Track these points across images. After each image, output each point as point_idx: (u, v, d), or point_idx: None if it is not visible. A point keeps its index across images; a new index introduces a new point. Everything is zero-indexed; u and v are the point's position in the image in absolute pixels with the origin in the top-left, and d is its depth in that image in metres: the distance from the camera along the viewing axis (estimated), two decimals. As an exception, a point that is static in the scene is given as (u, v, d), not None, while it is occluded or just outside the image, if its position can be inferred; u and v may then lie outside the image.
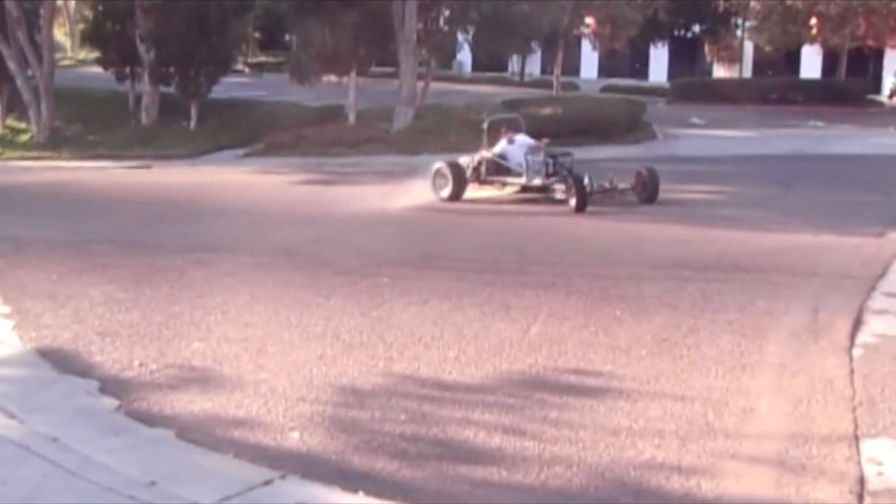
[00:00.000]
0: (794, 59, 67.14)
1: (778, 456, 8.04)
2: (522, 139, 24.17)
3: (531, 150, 23.45)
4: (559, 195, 22.14)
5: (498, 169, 23.85)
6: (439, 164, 23.66)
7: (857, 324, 12.05)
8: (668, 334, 11.51)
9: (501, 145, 24.11)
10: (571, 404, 9.13)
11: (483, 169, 23.83)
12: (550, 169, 22.93)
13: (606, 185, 22.65)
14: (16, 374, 10.51)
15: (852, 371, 10.19)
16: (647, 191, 22.65)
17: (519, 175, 23.28)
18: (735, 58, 69.90)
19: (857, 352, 10.92)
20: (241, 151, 36.41)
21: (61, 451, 8.19)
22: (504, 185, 23.81)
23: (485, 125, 25.03)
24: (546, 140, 24.18)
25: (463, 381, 9.84)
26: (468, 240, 18.44)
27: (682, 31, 71.46)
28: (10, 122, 43.38)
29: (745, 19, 64.02)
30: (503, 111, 40.72)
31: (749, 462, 7.95)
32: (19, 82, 41.12)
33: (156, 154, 35.61)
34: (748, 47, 68.50)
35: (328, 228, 19.34)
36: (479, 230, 19.55)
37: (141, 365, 10.44)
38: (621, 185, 22.84)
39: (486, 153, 24.11)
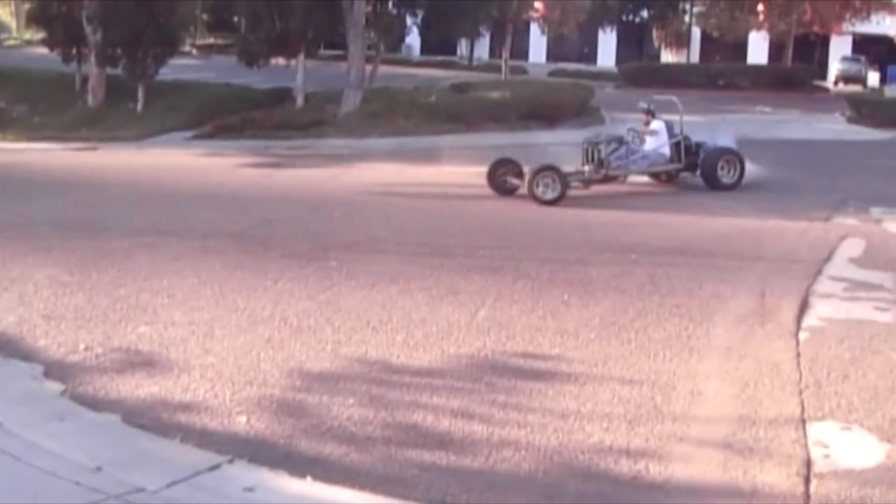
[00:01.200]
0: (741, 45, 67.45)
1: (725, 439, 8.08)
2: (658, 125, 23.40)
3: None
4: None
5: None
6: None
7: (804, 307, 12.15)
8: (615, 318, 11.55)
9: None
10: (520, 388, 9.14)
11: None
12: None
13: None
14: (-42, 359, 10.39)
15: (799, 354, 10.27)
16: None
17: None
18: (683, 43, 70.24)
19: (803, 335, 11.01)
20: (188, 134, 36.12)
21: (5, 436, 8.10)
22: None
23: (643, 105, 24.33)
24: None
25: (411, 364, 9.83)
26: (416, 223, 18.33)
27: (631, 16, 71.63)
28: (-47, 102, 42.90)
29: (692, 5, 64.33)
30: (451, 94, 40.79)
31: (697, 445, 7.99)
32: (-37, 63, 40.75)
33: (102, 136, 35.23)
34: (696, 33, 68.83)
35: (276, 211, 19.21)
36: (427, 214, 19.46)
37: (86, 349, 10.35)
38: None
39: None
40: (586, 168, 22.01)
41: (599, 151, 22.09)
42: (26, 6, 53.67)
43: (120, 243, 15.54)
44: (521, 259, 14.79)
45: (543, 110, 37.47)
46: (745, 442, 8.00)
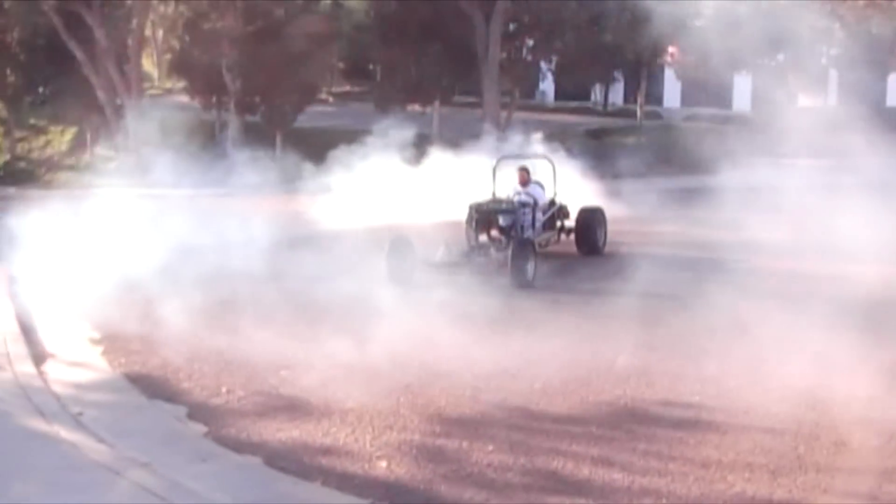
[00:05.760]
0: (880, 88, 66.36)
1: (871, 491, 7.92)
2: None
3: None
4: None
5: None
6: None
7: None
8: (757, 366, 11.37)
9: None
10: (660, 436, 9.07)
11: None
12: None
13: None
14: (105, 399, 10.64)
15: (947, 406, 10.02)
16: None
17: None
18: (820, 86, 69.33)
19: (951, 386, 10.73)
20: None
21: (151, 476, 8.28)
22: None
23: None
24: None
25: (551, 411, 9.82)
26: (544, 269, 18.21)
27: (766, 60, 70.97)
28: (99, 150, 43.97)
29: (829, 48, 63.52)
30: (586, 140, 40.76)
31: (842, 497, 7.84)
32: (108, 111, 41.70)
33: (241, 182, 35.80)
34: (833, 75, 67.87)
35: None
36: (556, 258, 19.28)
37: (228, 392, 10.53)
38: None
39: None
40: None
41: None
42: (167, 56, 54.83)
43: (259, 288, 15.70)
44: (658, 305, 14.64)
45: (678, 156, 37.28)
46: (891, 494, 7.83)
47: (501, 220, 18.70)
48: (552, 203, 20.14)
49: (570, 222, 20.31)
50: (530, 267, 16.75)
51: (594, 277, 17.36)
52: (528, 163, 20.59)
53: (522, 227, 18.78)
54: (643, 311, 13.82)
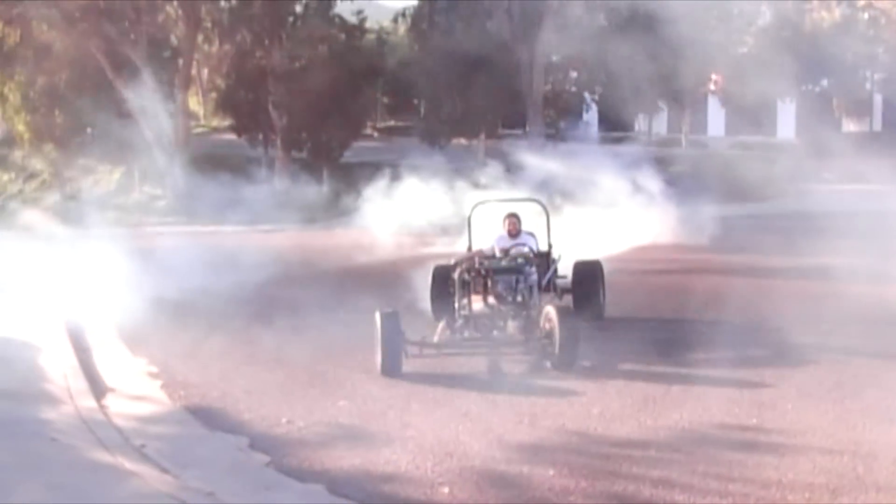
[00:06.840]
0: (926, 111, 65.86)
1: (934, 509, 7.94)
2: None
3: None
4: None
5: None
6: None
7: None
8: (811, 390, 11.40)
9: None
10: (719, 458, 9.10)
11: None
12: None
13: None
14: (167, 432, 10.75)
15: None
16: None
17: None
18: (864, 111, 68.91)
19: None
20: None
21: (217, 505, 8.38)
22: None
23: None
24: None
25: (609, 435, 9.87)
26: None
27: (810, 86, 70.68)
28: (147, 188, 44.35)
29: (873, 72, 63.18)
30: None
31: (904, 515, 7.86)
32: (155, 150, 42.09)
33: (289, 218, 36.05)
34: (877, 100, 67.47)
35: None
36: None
37: (289, 422, 10.62)
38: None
39: None
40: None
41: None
42: (213, 94, 55.32)
43: (314, 320, 15.84)
44: (712, 332, 14.70)
45: (725, 184, 37.30)
46: (954, 512, 7.85)
47: (501, 283, 14.30)
48: (549, 256, 16.45)
49: (563, 280, 16.50)
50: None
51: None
52: (515, 207, 16.70)
53: (531, 288, 14.58)
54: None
